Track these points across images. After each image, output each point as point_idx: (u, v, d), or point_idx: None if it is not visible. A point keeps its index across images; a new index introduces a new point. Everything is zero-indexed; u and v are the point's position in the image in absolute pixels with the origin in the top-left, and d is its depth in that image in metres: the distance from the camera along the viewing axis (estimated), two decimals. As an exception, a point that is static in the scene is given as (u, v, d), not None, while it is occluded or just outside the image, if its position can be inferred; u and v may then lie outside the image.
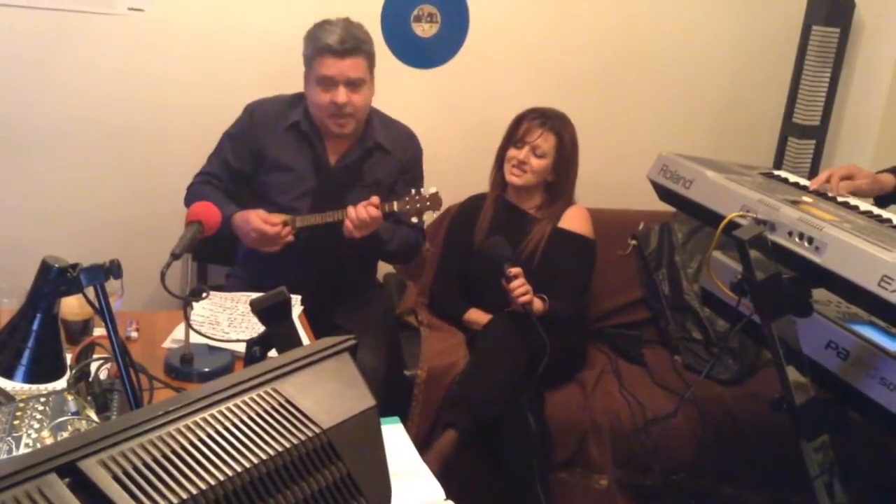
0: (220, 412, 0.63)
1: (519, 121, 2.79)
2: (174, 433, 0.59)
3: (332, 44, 2.34)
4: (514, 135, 2.77)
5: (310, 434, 0.64)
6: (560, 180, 2.81)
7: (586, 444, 2.61)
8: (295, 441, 0.63)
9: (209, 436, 0.61)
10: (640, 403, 2.66)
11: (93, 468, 0.53)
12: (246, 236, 2.39)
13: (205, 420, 0.62)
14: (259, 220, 2.36)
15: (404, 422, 1.70)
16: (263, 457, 0.61)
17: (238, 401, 0.64)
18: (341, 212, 2.35)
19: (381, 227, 2.42)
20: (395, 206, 2.35)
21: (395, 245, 2.55)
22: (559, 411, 2.60)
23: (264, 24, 2.93)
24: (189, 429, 0.60)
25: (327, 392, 0.68)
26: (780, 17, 3.40)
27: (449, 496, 1.40)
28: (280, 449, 0.62)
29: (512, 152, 2.77)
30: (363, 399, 0.70)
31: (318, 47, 2.37)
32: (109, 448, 0.55)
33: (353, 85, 2.40)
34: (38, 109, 2.82)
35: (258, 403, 0.65)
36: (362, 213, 2.31)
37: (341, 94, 2.37)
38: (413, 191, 2.37)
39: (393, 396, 2.51)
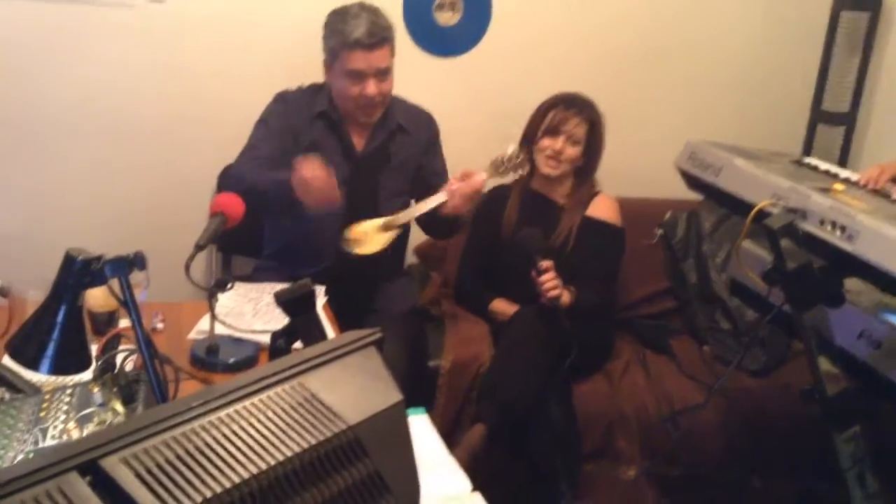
0: (245, 408, 0.61)
1: (549, 109, 2.73)
2: (198, 429, 0.58)
3: (360, 38, 2.32)
4: (544, 124, 2.71)
5: (336, 430, 0.63)
6: (589, 166, 2.78)
7: (613, 435, 2.58)
8: (321, 437, 0.61)
9: (234, 432, 0.59)
10: (667, 394, 2.63)
11: (115, 466, 0.52)
12: (301, 187, 2.23)
13: (229, 416, 0.60)
14: (310, 173, 2.21)
15: (428, 412, 1.69)
16: (289, 453, 0.59)
17: (263, 396, 0.63)
18: (440, 193, 2.39)
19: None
20: (487, 173, 2.41)
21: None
22: (586, 402, 2.57)
23: (283, 15, 2.92)
24: (213, 425, 0.59)
25: (354, 387, 0.67)
26: (808, 3, 3.34)
27: (475, 488, 1.39)
28: (306, 445, 0.60)
29: (546, 142, 2.71)
30: (390, 394, 0.69)
31: (346, 42, 2.34)
32: (132, 445, 0.54)
33: (382, 74, 2.40)
34: (60, 101, 2.83)
35: (284, 399, 0.63)
36: (466, 188, 2.35)
37: (372, 87, 2.37)
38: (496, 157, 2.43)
39: (417, 387, 2.50)
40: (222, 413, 0.60)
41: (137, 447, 0.54)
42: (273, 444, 0.60)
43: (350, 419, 0.63)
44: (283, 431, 0.61)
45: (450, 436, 2.46)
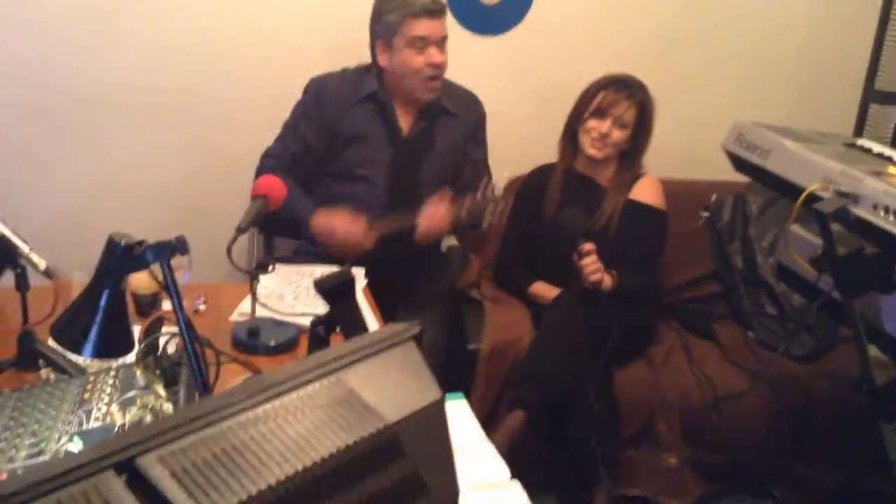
0: (283, 404, 0.60)
1: (598, 90, 2.67)
2: (235, 427, 0.57)
3: (426, 4, 2.36)
4: (593, 105, 2.66)
5: (374, 429, 0.62)
6: (635, 150, 2.73)
7: (654, 421, 2.56)
8: (359, 436, 0.61)
9: (271, 430, 0.59)
10: (710, 380, 2.59)
11: (151, 465, 0.52)
12: (329, 239, 2.40)
13: (266, 413, 0.60)
14: (344, 224, 2.38)
15: (467, 396, 1.68)
16: (326, 453, 0.58)
17: (301, 392, 0.62)
18: (414, 215, 2.39)
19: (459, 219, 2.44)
20: (464, 215, 2.39)
21: (465, 216, 2.52)
22: (627, 388, 2.55)
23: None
24: (250, 422, 0.58)
25: (393, 383, 0.66)
26: (863, -23, 3.25)
27: (513, 475, 1.38)
28: (343, 445, 0.59)
29: (592, 123, 2.66)
30: (429, 391, 0.67)
31: (411, 11, 2.37)
32: (168, 444, 0.54)
33: (442, 44, 2.43)
34: (103, 83, 2.85)
35: (322, 395, 0.62)
36: (433, 226, 2.38)
37: (437, 55, 2.40)
38: (478, 195, 2.38)
39: (456, 370, 2.49)
40: (259, 410, 0.59)
41: (174, 445, 0.54)
42: (310, 444, 0.59)
43: (389, 417, 0.62)
44: (321, 430, 0.60)
45: (488, 420, 2.45)
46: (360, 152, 2.50)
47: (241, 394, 0.60)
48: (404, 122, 2.53)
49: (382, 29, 2.43)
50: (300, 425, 0.60)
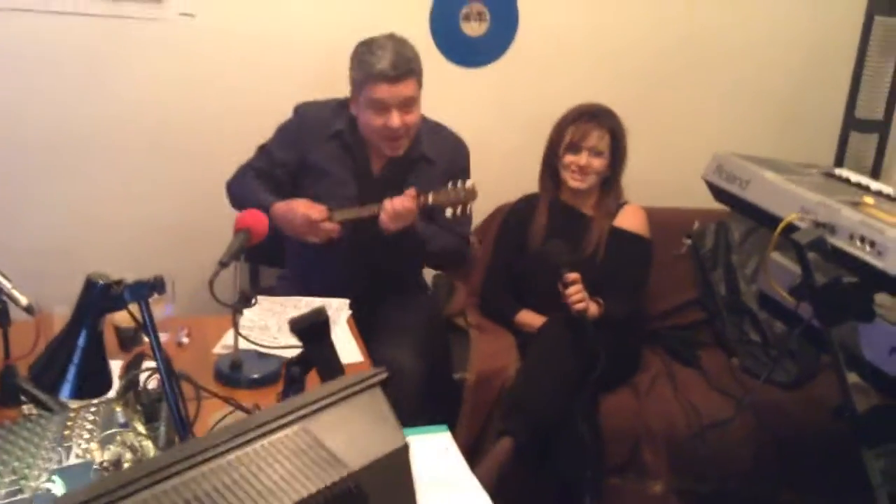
0: (248, 454, 0.61)
1: (568, 125, 2.72)
2: (207, 473, 0.58)
3: (384, 69, 2.30)
4: (565, 140, 2.71)
5: (338, 477, 0.62)
6: (614, 175, 2.76)
7: (640, 449, 2.56)
8: (322, 484, 0.61)
9: (236, 480, 0.59)
10: (695, 408, 2.60)
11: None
12: (289, 224, 2.37)
13: (232, 462, 0.60)
14: (304, 206, 2.35)
15: (452, 426, 1.68)
16: (292, 501, 0.59)
17: (266, 441, 0.63)
18: (378, 206, 2.32)
19: (421, 228, 2.40)
20: (431, 197, 2.31)
21: (435, 247, 2.50)
22: (612, 416, 2.55)
23: (313, 30, 2.94)
24: (222, 469, 0.59)
25: (357, 430, 0.67)
26: (841, 8, 3.30)
27: (498, 506, 1.38)
28: (308, 492, 0.60)
29: (569, 158, 2.70)
30: (394, 438, 0.68)
31: (370, 74, 2.32)
32: (139, 492, 0.54)
33: (406, 106, 2.37)
34: (89, 116, 2.87)
35: (287, 444, 0.63)
36: (397, 203, 2.27)
37: (395, 119, 2.34)
38: (450, 184, 2.33)
39: (441, 400, 2.49)
40: (227, 458, 0.60)
41: (145, 494, 0.55)
42: (279, 490, 0.60)
43: (352, 465, 0.63)
44: (289, 477, 0.61)
45: (474, 450, 2.45)
46: (324, 187, 2.48)
47: (207, 443, 0.61)
48: (377, 162, 2.51)
49: (351, 80, 2.42)
50: (270, 472, 0.61)
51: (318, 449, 0.63)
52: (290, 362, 1.26)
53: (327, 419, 0.66)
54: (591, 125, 2.68)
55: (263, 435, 0.63)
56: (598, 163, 2.69)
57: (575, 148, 2.68)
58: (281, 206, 2.38)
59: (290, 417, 0.65)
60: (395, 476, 0.66)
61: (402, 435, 0.69)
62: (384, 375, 0.72)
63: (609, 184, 2.77)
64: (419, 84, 2.41)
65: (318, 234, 2.36)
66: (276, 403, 0.68)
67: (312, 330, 1.22)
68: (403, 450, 0.68)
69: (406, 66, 2.34)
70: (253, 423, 0.63)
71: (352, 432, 0.66)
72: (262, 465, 0.61)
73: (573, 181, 2.71)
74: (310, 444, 0.64)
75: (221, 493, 0.58)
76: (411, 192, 2.30)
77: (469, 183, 2.32)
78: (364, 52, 2.36)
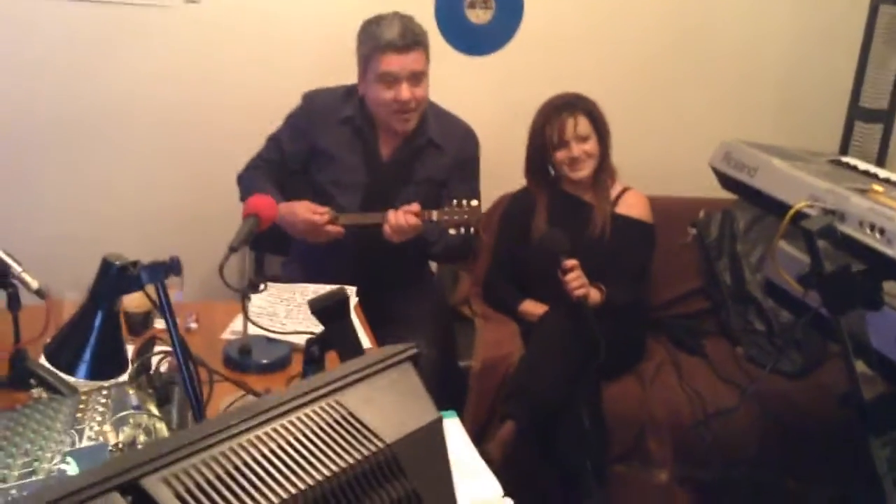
0: (283, 426, 0.61)
1: (543, 125, 2.72)
2: (237, 448, 0.58)
3: (393, 39, 2.31)
4: (549, 138, 2.70)
5: (374, 449, 0.62)
6: (603, 153, 2.75)
7: (644, 437, 2.56)
8: (359, 456, 0.61)
9: (272, 451, 0.59)
10: (700, 396, 2.61)
11: (155, 486, 0.52)
12: (292, 227, 2.38)
13: (268, 434, 0.60)
14: (306, 211, 2.35)
15: (458, 414, 1.68)
16: (328, 473, 0.59)
17: (301, 413, 0.62)
18: (382, 215, 2.32)
19: (426, 231, 2.39)
20: (435, 215, 2.31)
21: (440, 248, 2.51)
22: (617, 404, 2.56)
23: (318, 14, 2.93)
24: (252, 443, 0.59)
25: (390, 404, 0.67)
26: (846, -3, 3.29)
27: (505, 492, 1.39)
28: (344, 465, 0.60)
29: (561, 155, 2.70)
30: (427, 411, 0.68)
31: (378, 45, 2.33)
32: (171, 465, 0.54)
33: (416, 79, 2.37)
34: (96, 102, 2.86)
35: (321, 416, 0.63)
36: (401, 219, 2.27)
37: (405, 91, 2.35)
38: (454, 201, 2.33)
39: (447, 388, 2.50)
40: (260, 431, 0.60)
41: (177, 466, 0.54)
42: (311, 464, 0.60)
43: (388, 437, 0.63)
44: (321, 450, 0.61)
45: (480, 437, 2.46)
46: (334, 173, 2.49)
47: (242, 416, 0.61)
48: (386, 147, 2.51)
49: (359, 59, 2.43)
50: (301, 447, 0.61)
51: (352, 421, 0.63)
52: (310, 342, 1.26)
53: (361, 393, 0.66)
54: (565, 116, 2.68)
55: (297, 408, 0.63)
56: (588, 147, 2.69)
57: (561, 144, 2.69)
58: (284, 208, 2.36)
59: (324, 391, 0.65)
60: (430, 449, 0.66)
61: (434, 408, 0.69)
62: (415, 351, 0.72)
63: (600, 165, 2.76)
64: (427, 59, 2.42)
65: (321, 236, 2.37)
66: (299, 381, 0.68)
67: (332, 309, 1.22)
68: (438, 423, 0.68)
69: (413, 38, 2.35)
70: (287, 396, 0.63)
71: (386, 406, 0.66)
72: (298, 437, 0.61)
73: (573, 173, 2.71)
74: (344, 416, 0.64)
75: (257, 465, 0.58)
76: (415, 207, 2.29)
77: (474, 202, 2.32)
78: (371, 26, 2.38)
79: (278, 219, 2.30)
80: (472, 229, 2.33)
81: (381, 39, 2.32)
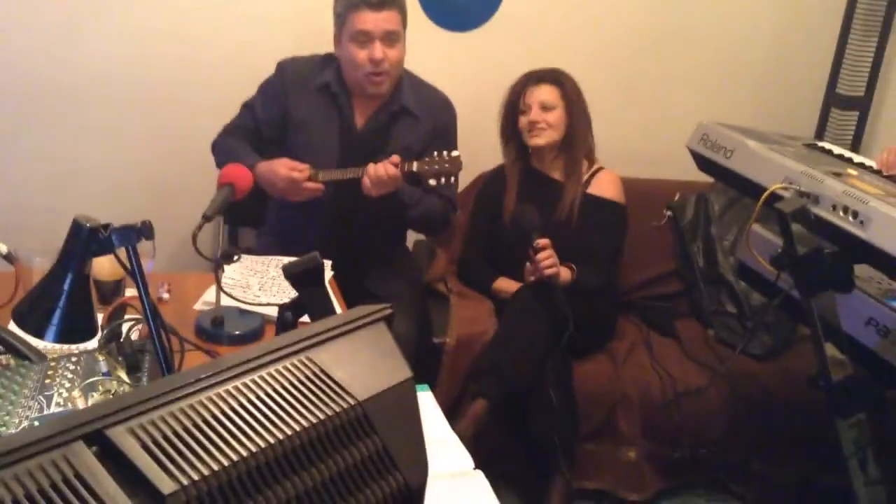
0: (253, 381, 0.60)
1: (513, 90, 2.76)
2: (205, 401, 0.57)
3: None
4: (515, 103, 2.74)
5: (345, 406, 0.62)
6: (575, 132, 2.74)
7: (615, 415, 2.59)
8: (329, 412, 0.61)
9: (241, 405, 0.59)
10: (670, 376, 2.63)
11: (121, 436, 0.52)
12: (271, 185, 2.35)
13: (237, 388, 0.60)
14: (285, 168, 2.33)
15: (432, 389, 1.69)
16: (297, 428, 0.59)
17: (271, 369, 0.62)
18: (362, 169, 2.30)
19: (406, 192, 2.38)
20: (415, 165, 2.30)
21: (418, 212, 2.49)
22: (588, 382, 2.57)
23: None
24: (221, 397, 0.58)
25: (363, 362, 0.66)
26: (826, -17, 3.31)
27: (476, 465, 1.40)
28: (314, 420, 0.60)
29: (521, 120, 2.73)
30: (399, 370, 0.68)
31: (352, 3, 2.32)
32: (139, 416, 0.53)
33: (389, 39, 2.35)
34: (69, 69, 2.81)
35: (292, 373, 0.63)
36: (380, 170, 2.26)
37: (378, 50, 2.33)
38: (435, 153, 2.32)
39: (421, 363, 2.50)
40: (230, 386, 0.59)
41: (144, 418, 0.54)
42: (281, 419, 0.59)
43: (359, 395, 0.63)
44: (292, 406, 0.60)
45: (452, 413, 2.46)
46: (308, 140, 2.47)
47: (212, 369, 0.60)
48: (360, 115, 2.49)
49: (335, 19, 2.41)
50: (271, 402, 0.60)
51: (323, 378, 0.63)
52: (283, 307, 1.25)
53: (333, 350, 0.65)
54: (533, 83, 2.72)
55: (269, 363, 0.62)
56: (551, 117, 2.69)
57: (524, 108, 2.72)
58: (263, 166, 2.35)
59: (295, 347, 0.64)
60: (402, 408, 0.66)
61: (407, 368, 0.69)
62: (389, 311, 0.72)
63: (572, 142, 2.76)
64: (402, 21, 2.40)
65: (301, 194, 2.34)
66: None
67: (306, 275, 1.21)
68: (409, 382, 0.68)
69: None
70: (257, 351, 0.63)
71: (358, 363, 0.66)
72: (268, 392, 0.61)
73: (531, 139, 2.72)
74: (315, 372, 0.63)
75: (226, 418, 0.57)
76: (394, 159, 2.28)
77: (454, 153, 2.31)
78: None
79: (257, 177, 2.29)
80: (452, 179, 2.32)
81: None
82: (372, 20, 2.32)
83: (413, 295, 2.53)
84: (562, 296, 2.44)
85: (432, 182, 2.32)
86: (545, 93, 2.69)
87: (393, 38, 2.36)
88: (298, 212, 2.43)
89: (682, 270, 3.12)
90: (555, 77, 2.72)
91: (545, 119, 2.69)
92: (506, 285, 2.76)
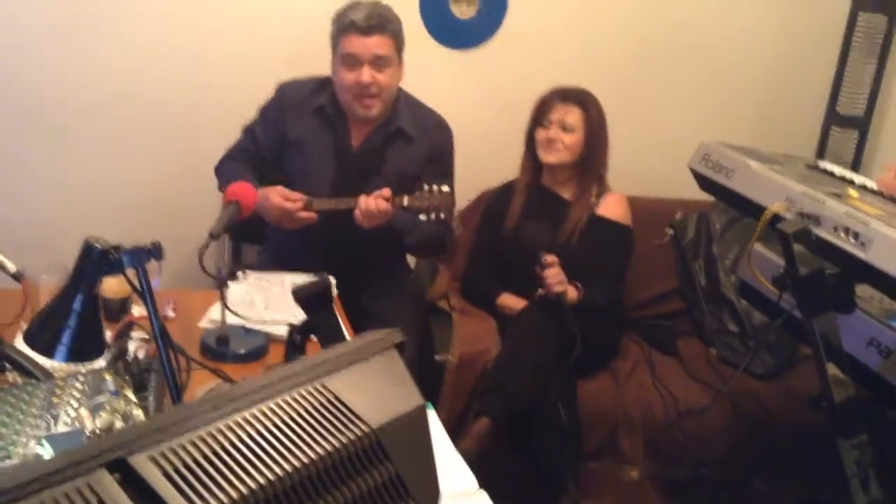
0: (270, 408, 0.61)
1: (542, 101, 2.77)
2: (224, 429, 0.58)
3: (356, 20, 2.32)
4: (539, 116, 2.76)
5: (359, 433, 0.63)
6: (591, 157, 2.76)
7: (617, 435, 2.59)
8: (344, 440, 0.62)
9: (259, 433, 0.60)
10: (672, 396, 2.63)
11: (143, 464, 0.53)
12: (266, 213, 2.36)
13: (254, 416, 0.61)
14: (279, 197, 2.34)
15: (434, 407, 1.69)
16: (313, 456, 0.60)
17: (287, 396, 0.63)
18: (355, 199, 2.30)
19: (400, 220, 2.38)
20: (406, 201, 2.28)
21: (414, 238, 2.50)
22: (591, 401, 2.58)
23: (297, 4, 2.92)
24: (239, 425, 0.59)
25: (376, 389, 0.67)
26: (825, 3, 3.32)
27: (480, 486, 1.40)
28: (330, 448, 0.60)
29: (540, 133, 2.74)
30: (412, 397, 0.69)
31: (343, 25, 2.35)
32: (160, 444, 0.54)
33: (378, 64, 2.36)
34: (76, 86, 2.84)
35: (307, 399, 0.64)
36: (371, 204, 2.25)
37: (365, 74, 2.34)
38: (426, 187, 2.30)
39: (424, 381, 2.50)
40: (247, 413, 0.60)
41: (164, 445, 0.54)
42: (298, 447, 0.60)
43: (373, 422, 0.64)
44: (308, 433, 0.61)
45: (455, 431, 2.47)
46: (304, 161, 2.48)
47: (229, 397, 0.61)
48: (356, 137, 2.49)
49: (330, 42, 2.44)
50: (287, 429, 0.61)
51: (337, 405, 0.64)
52: (294, 329, 1.26)
53: (346, 377, 0.66)
54: (558, 100, 2.73)
55: (284, 390, 0.63)
56: (568, 139, 2.70)
57: (546, 123, 2.73)
58: (259, 193, 2.34)
59: (310, 374, 0.65)
60: (414, 434, 0.67)
61: (419, 395, 0.70)
62: (401, 338, 0.72)
63: (587, 167, 2.77)
64: (396, 48, 2.41)
65: (295, 223, 2.36)
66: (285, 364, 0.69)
67: (316, 298, 1.22)
68: (422, 409, 0.69)
69: (379, 21, 2.34)
70: (272, 378, 0.63)
71: (371, 390, 0.67)
72: (285, 419, 0.61)
73: (544, 154, 2.74)
74: (330, 400, 0.64)
75: (244, 446, 0.58)
76: (385, 192, 2.27)
77: (444, 188, 2.29)
78: (342, 9, 2.40)
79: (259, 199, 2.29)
80: (441, 215, 2.29)
81: (345, 20, 2.34)
82: (360, 44, 2.33)
83: (413, 312, 2.53)
84: (570, 313, 2.44)
85: (423, 217, 2.31)
86: (569, 114, 2.71)
87: (382, 62, 2.37)
88: (295, 234, 2.44)
89: (684, 289, 3.13)
90: (581, 99, 2.73)
91: (562, 139, 2.70)
92: (510, 301, 2.76)
